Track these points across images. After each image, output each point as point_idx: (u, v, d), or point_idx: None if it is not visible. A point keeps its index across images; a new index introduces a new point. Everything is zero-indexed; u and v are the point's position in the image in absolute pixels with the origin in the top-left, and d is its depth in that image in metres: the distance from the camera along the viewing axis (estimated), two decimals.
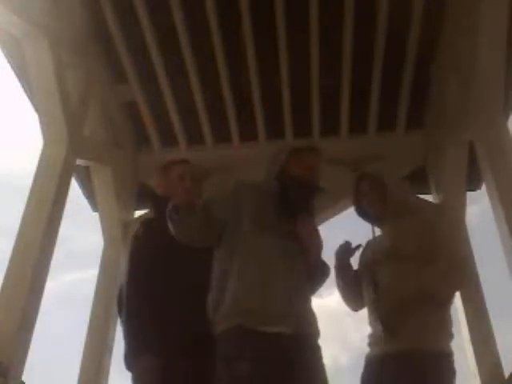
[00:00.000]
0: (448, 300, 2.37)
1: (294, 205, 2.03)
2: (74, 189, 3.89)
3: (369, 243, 2.67)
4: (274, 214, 2.00)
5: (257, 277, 1.84)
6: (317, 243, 2.03)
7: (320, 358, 1.90)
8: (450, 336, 2.29)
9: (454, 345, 2.32)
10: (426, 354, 2.16)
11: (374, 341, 2.33)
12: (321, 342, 1.94)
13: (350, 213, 3.57)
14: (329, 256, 2.59)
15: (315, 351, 1.89)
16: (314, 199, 2.11)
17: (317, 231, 2.06)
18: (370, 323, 2.38)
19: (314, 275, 2.04)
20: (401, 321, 2.19)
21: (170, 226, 1.95)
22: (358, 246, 2.54)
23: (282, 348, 1.75)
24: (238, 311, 1.79)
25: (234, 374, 1.68)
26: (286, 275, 1.90)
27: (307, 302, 1.97)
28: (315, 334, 1.93)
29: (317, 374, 1.84)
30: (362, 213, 2.68)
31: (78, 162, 3.17)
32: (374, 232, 2.71)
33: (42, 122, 2.91)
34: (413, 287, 2.24)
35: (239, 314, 1.78)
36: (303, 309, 1.92)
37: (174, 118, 3.85)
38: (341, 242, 2.62)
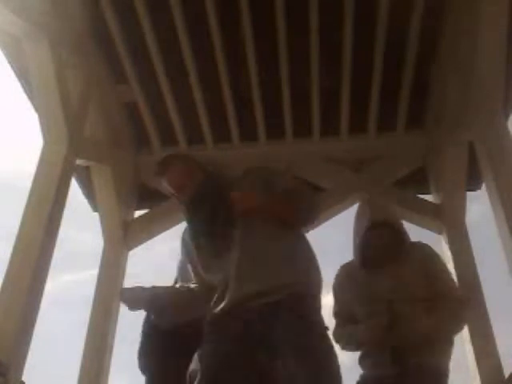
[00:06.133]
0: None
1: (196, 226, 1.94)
2: (74, 189, 3.89)
3: (353, 272, 2.53)
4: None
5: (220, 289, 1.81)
6: (257, 203, 1.86)
7: (309, 329, 1.67)
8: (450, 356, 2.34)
9: (455, 344, 2.34)
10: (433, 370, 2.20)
11: (374, 365, 2.30)
12: None
13: (350, 213, 3.57)
14: (328, 255, 2.59)
15: (293, 320, 1.67)
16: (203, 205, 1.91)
17: (249, 195, 1.88)
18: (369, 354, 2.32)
19: (294, 221, 1.90)
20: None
21: None
22: None
23: (245, 321, 1.67)
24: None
25: (198, 356, 1.67)
26: (243, 265, 1.79)
27: (278, 264, 1.78)
28: (293, 296, 1.71)
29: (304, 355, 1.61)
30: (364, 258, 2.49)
31: (78, 162, 3.17)
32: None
33: (41, 122, 2.91)
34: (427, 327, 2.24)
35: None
36: (272, 272, 1.76)
37: (174, 117, 3.85)
38: (341, 242, 2.59)
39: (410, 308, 2.25)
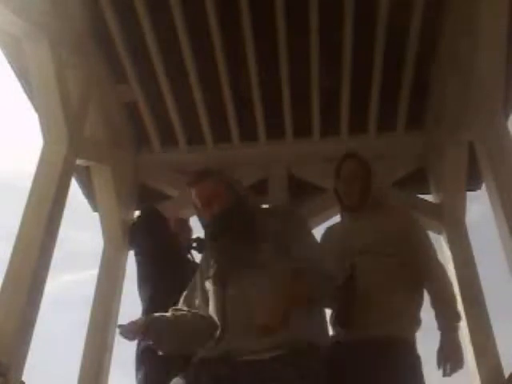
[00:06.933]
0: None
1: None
2: (74, 189, 3.89)
3: (332, 230, 2.57)
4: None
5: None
6: None
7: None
8: (418, 323, 2.26)
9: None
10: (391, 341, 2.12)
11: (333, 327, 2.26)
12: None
13: None
14: None
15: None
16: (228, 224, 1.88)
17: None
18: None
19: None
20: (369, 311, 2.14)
21: None
22: None
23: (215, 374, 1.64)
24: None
25: None
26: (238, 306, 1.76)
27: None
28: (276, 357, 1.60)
29: None
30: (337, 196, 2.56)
31: (78, 162, 3.17)
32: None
33: (41, 122, 2.91)
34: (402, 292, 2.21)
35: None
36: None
37: (174, 117, 3.85)
38: None
39: (378, 265, 2.21)
